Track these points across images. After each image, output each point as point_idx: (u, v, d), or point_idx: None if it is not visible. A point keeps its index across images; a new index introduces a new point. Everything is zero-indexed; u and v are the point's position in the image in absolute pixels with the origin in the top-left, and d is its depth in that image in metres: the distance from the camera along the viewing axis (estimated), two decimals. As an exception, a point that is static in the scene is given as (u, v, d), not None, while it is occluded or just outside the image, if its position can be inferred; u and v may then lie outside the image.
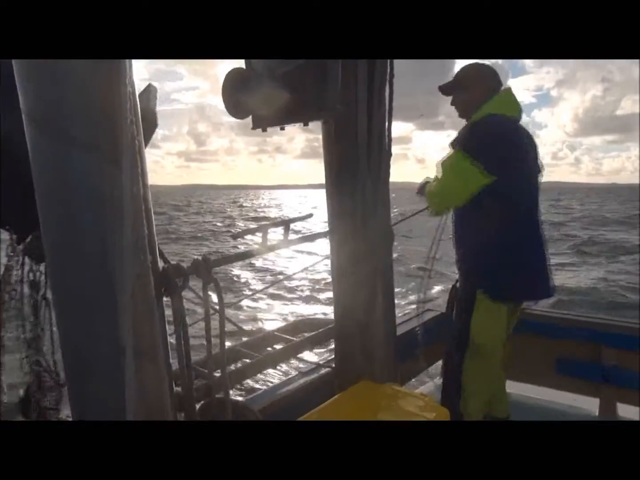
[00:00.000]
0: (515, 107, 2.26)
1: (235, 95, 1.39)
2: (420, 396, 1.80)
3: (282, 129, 1.65)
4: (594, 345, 2.79)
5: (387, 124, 1.98)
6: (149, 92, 1.37)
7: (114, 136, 1.02)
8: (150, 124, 1.27)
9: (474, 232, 2.24)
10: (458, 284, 2.38)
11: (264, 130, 1.56)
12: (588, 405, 2.83)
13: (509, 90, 2.29)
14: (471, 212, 2.21)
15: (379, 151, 1.94)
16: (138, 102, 1.11)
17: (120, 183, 1.03)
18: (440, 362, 3.25)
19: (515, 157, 2.15)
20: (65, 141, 0.98)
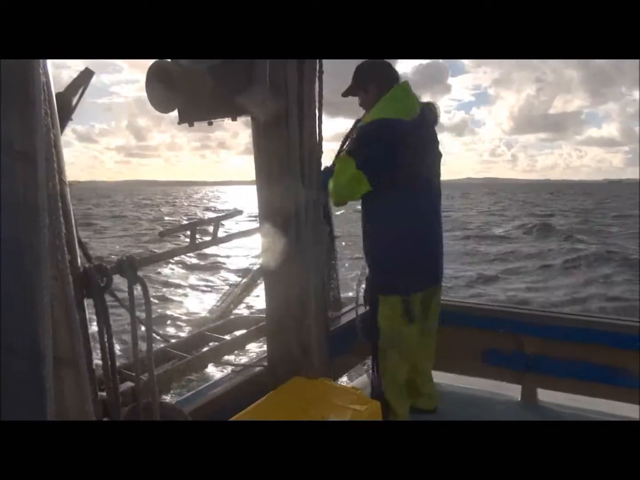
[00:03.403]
0: (406, 104, 2.31)
1: (160, 89, 1.34)
2: (352, 390, 1.82)
3: (210, 123, 1.61)
4: (516, 335, 2.93)
5: (317, 121, 1.99)
6: (85, 75, 1.30)
7: (27, 130, 0.95)
8: (63, 111, 1.19)
9: (368, 230, 2.42)
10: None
11: (191, 124, 1.52)
12: (512, 392, 2.96)
13: (400, 88, 2.35)
14: (364, 210, 2.40)
15: (310, 149, 1.94)
16: (53, 93, 1.05)
17: (35, 181, 0.96)
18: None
19: (406, 154, 2.25)
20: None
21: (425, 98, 2.44)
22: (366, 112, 2.40)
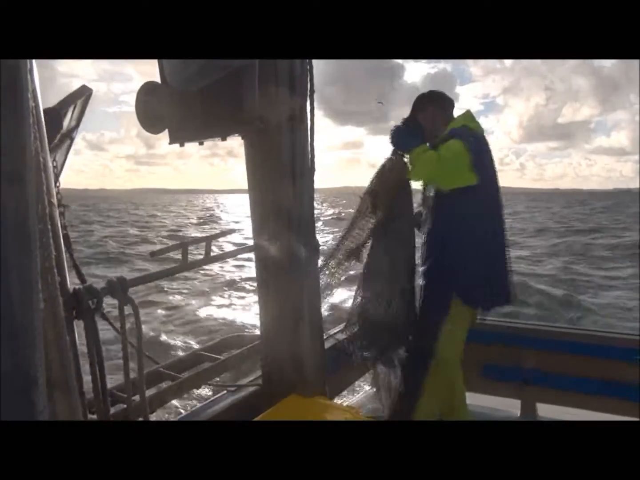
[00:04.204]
0: (479, 124, 2.42)
1: (149, 110, 1.35)
2: (347, 408, 1.81)
3: (201, 143, 1.62)
4: (516, 349, 2.92)
5: (309, 139, 2.00)
6: (81, 92, 1.31)
7: (16, 153, 0.95)
8: (52, 125, 1.20)
9: (455, 232, 2.30)
10: (422, 285, 2.37)
11: (182, 145, 1.53)
12: (511, 408, 2.95)
13: (469, 111, 2.47)
14: (454, 212, 2.29)
15: (302, 167, 1.95)
16: (42, 117, 1.05)
17: (25, 203, 0.95)
18: (367, 373, 3.30)
19: (489, 165, 2.32)
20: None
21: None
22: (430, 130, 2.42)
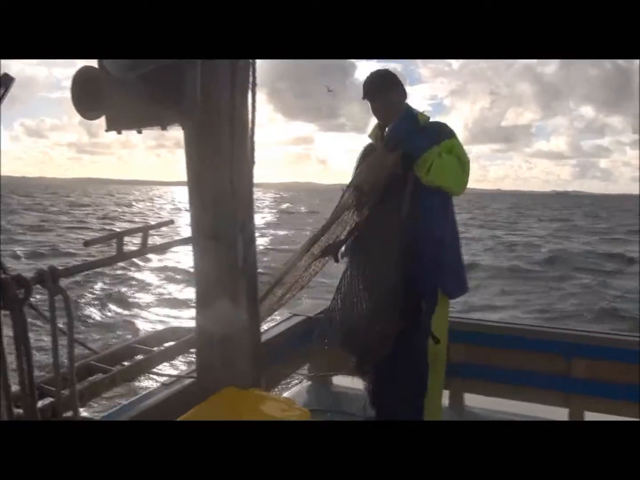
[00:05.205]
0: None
1: (86, 96, 1.31)
2: (283, 399, 1.83)
3: (140, 132, 1.59)
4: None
5: (250, 132, 1.99)
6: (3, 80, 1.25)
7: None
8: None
9: (441, 229, 2.35)
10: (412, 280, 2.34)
11: (119, 132, 1.49)
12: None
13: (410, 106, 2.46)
14: (439, 210, 2.34)
15: (241, 160, 1.94)
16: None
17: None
18: (303, 366, 3.33)
19: None
20: None
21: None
22: (384, 116, 2.37)
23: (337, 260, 2.37)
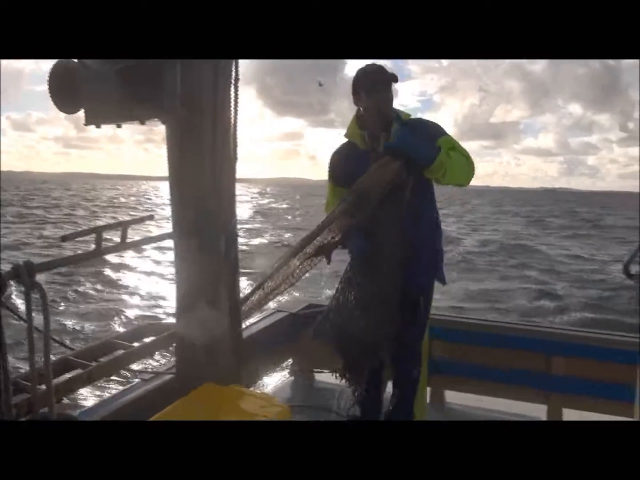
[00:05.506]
0: None
1: (63, 90, 1.30)
2: (263, 396, 1.83)
3: (119, 126, 1.58)
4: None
5: (232, 128, 1.99)
6: None
7: None
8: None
9: (431, 220, 2.39)
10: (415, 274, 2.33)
11: (98, 126, 1.48)
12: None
13: None
14: (429, 201, 2.37)
15: (223, 156, 1.93)
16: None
17: None
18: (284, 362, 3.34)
19: None
20: None
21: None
22: (383, 114, 2.29)
23: (329, 262, 2.35)
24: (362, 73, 2.30)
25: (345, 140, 2.45)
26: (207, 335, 1.90)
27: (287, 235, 24.78)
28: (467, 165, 2.26)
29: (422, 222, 2.34)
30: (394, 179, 2.14)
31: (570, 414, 2.83)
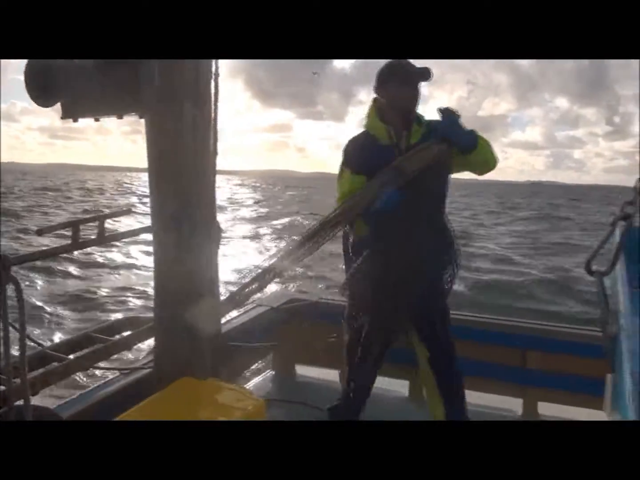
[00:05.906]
0: None
1: (39, 84, 1.29)
2: (239, 389, 1.84)
3: (97, 120, 1.57)
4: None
5: (212, 122, 1.99)
6: None
7: None
8: None
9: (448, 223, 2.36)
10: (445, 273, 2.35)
11: (75, 120, 1.47)
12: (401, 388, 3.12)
13: None
14: (443, 207, 2.35)
15: (204, 149, 1.94)
16: None
17: None
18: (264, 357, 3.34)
19: None
20: None
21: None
22: (412, 108, 2.25)
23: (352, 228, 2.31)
24: (396, 63, 2.23)
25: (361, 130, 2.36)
26: (187, 329, 1.90)
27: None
28: (493, 152, 2.30)
29: (442, 215, 2.33)
30: (438, 159, 2.15)
31: (545, 408, 2.88)
